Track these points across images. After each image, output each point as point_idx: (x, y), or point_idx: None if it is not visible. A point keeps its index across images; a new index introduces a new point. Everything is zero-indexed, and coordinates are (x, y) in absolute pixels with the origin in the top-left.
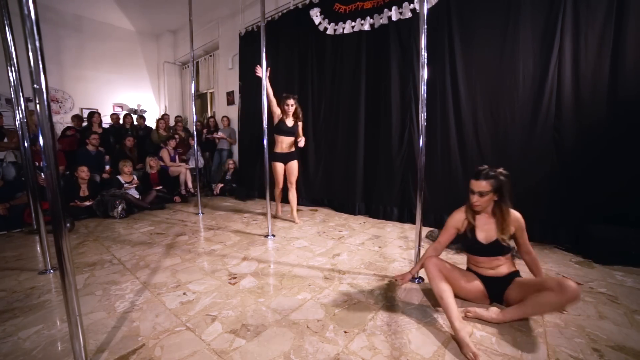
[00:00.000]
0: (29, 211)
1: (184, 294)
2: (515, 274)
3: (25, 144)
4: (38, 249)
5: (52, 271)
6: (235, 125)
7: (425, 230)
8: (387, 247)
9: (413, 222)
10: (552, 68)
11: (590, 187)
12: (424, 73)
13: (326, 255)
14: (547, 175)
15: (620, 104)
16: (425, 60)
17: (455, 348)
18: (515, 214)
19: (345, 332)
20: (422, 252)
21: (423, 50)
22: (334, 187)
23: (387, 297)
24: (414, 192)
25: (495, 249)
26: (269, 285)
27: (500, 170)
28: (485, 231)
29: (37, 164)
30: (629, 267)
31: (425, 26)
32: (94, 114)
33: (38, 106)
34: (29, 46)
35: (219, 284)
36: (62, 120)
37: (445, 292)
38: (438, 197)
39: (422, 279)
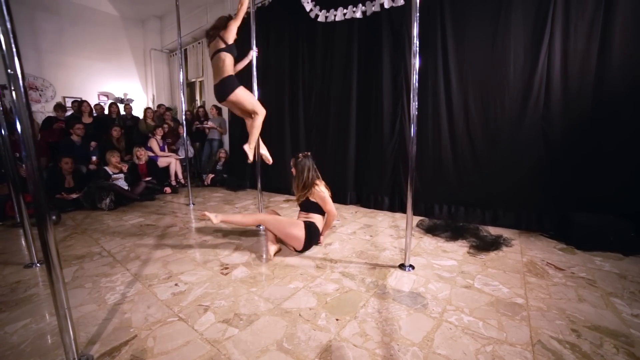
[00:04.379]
0: (10, 204)
1: (176, 285)
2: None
3: (3, 132)
4: (22, 242)
5: (38, 265)
6: (225, 114)
7: (416, 219)
8: (378, 236)
9: (404, 211)
10: (542, 58)
11: (577, 177)
12: (416, 62)
13: (318, 245)
14: (535, 165)
15: (606, 96)
16: (417, 48)
17: (444, 333)
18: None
19: (337, 319)
20: (414, 241)
21: (415, 38)
22: (325, 177)
23: (378, 285)
24: (404, 181)
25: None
26: (261, 275)
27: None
28: None
29: (17, 154)
30: (607, 252)
31: (418, 14)
32: (82, 103)
33: (14, 93)
34: None
35: (211, 274)
36: (44, 110)
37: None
38: (429, 187)
39: (413, 267)
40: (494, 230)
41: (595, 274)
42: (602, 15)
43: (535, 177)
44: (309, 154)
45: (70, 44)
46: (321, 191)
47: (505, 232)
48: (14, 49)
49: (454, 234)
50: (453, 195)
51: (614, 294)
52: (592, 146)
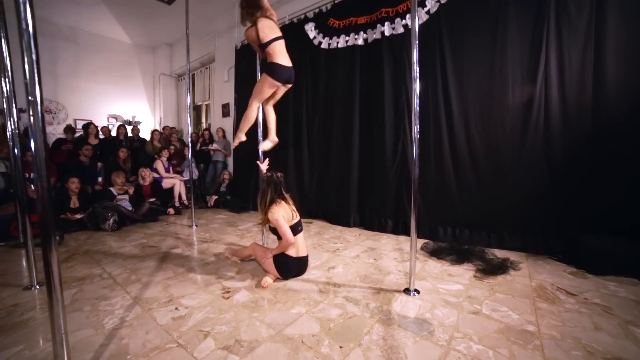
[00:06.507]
0: (15, 224)
1: (176, 309)
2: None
3: (16, 151)
4: (24, 263)
5: (37, 287)
6: (230, 137)
7: (420, 242)
8: (382, 259)
9: (408, 233)
10: (540, 80)
11: (581, 197)
12: (416, 86)
13: (321, 268)
14: (539, 186)
15: (604, 113)
16: (417, 73)
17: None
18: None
19: (340, 347)
20: (418, 264)
21: (415, 64)
22: (328, 199)
23: (382, 310)
24: (408, 203)
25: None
26: (263, 300)
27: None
28: None
29: (27, 175)
30: (620, 277)
31: (417, 41)
32: (89, 125)
33: (32, 118)
34: (25, 59)
35: (212, 298)
36: (55, 131)
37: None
38: (432, 209)
39: (418, 292)
40: (500, 253)
41: (610, 300)
42: (594, 31)
43: (540, 198)
44: (279, 175)
45: (85, 69)
46: (274, 216)
47: (511, 255)
48: (37, 79)
49: (459, 257)
50: (457, 217)
51: (633, 322)
52: (595, 167)
